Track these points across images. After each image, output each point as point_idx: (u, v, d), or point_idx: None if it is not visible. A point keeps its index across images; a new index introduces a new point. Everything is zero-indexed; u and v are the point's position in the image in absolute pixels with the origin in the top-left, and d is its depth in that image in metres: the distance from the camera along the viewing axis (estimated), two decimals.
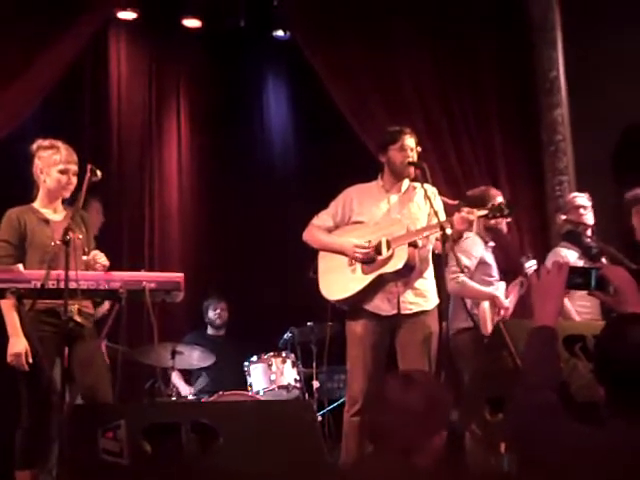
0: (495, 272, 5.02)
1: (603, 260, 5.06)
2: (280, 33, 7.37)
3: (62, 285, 3.65)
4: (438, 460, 2.21)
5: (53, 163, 4.17)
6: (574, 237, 5.29)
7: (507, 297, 5.02)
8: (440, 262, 4.32)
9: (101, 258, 4.00)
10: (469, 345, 4.72)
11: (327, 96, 6.34)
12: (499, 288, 5.03)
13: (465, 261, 4.75)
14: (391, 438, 2.13)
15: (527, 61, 6.68)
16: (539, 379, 2.13)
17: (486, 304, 4.87)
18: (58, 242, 3.80)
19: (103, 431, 2.72)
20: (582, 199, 5.34)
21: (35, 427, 3.94)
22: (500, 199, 4.78)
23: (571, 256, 5.25)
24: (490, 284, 4.96)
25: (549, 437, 1.97)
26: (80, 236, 3.95)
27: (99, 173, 4.01)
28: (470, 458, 4.55)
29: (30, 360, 3.91)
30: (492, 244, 5.09)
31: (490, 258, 4.98)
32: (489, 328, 4.82)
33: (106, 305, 4.91)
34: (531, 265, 5.27)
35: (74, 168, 4.21)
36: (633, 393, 1.94)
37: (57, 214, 4.24)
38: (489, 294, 4.86)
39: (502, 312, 4.90)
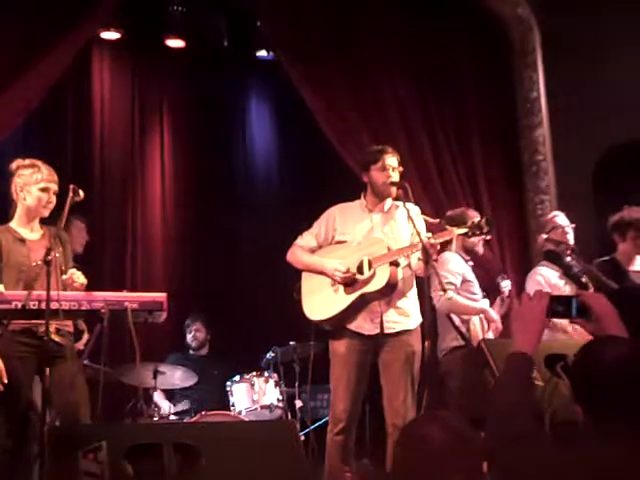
0: (477, 289, 5.03)
1: (584, 280, 5.09)
2: (263, 53, 7.41)
3: (43, 305, 3.63)
4: None
5: (34, 181, 4.15)
6: (555, 256, 5.31)
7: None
8: (422, 282, 4.33)
9: (79, 277, 3.98)
10: (460, 363, 4.72)
11: (310, 116, 6.37)
12: (484, 304, 5.05)
13: (450, 278, 4.76)
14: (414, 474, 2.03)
15: (508, 82, 6.74)
16: (511, 406, 2.11)
17: (476, 319, 4.88)
18: (39, 262, 3.79)
19: (84, 452, 2.70)
20: (562, 218, 5.37)
21: (14, 448, 3.90)
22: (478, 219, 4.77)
23: (552, 275, 5.26)
24: (475, 301, 4.98)
25: (524, 464, 1.98)
26: (57, 255, 3.92)
27: (81, 193, 4.01)
28: None
29: (5, 380, 3.85)
30: (471, 263, 5.11)
31: (471, 275, 4.99)
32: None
33: (84, 339, 4.88)
34: (506, 285, 5.30)
35: (54, 187, 4.20)
36: (608, 412, 1.96)
37: (34, 233, 4.21)
38: (479, 309, 4.88)
39: (492, 325, 4.93)
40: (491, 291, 5.39)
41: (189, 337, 6.61)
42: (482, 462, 2.09)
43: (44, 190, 4.16)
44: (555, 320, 5.01)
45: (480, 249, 5.14)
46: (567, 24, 6.42)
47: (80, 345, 4.83)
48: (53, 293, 3.64)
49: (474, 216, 4.89)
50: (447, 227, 4.61)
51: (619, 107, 6.26)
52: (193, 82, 7.46)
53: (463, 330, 4.86)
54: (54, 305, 3.64)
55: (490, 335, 4.95)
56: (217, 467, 2.80)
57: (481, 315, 4.97)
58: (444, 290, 4.44)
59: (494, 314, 4.97)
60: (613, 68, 6.36)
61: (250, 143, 7.89)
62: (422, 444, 2.02)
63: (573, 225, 5.30)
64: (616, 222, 5.24)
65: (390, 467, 2.10)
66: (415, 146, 6.40)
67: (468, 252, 5.08)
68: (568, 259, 5.25)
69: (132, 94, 7.30)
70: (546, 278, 5.25)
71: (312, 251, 4.62)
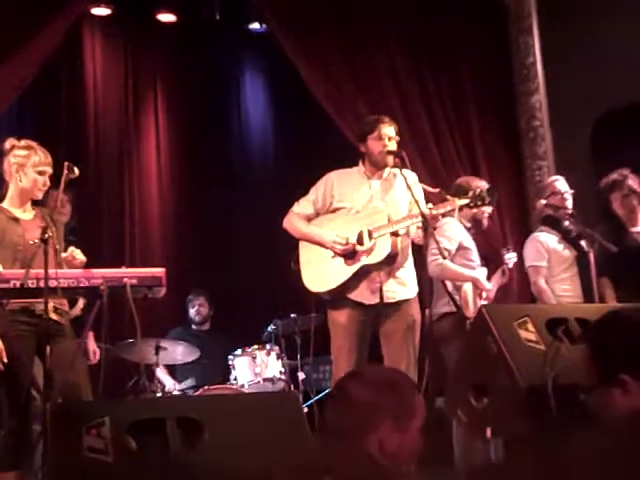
0: (476, 256, 4.99)
1: (582, 243, 5.07)
2: (256, 26, 7.34)
3: (42, 284, 3.62)
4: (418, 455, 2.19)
5: (32, 164, 4.12)
6: (553, 221, 5.30)
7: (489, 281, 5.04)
8: (421, 250, 4.32)
9: (79, 254, 3.97)
10: (452, 329, 4.70)
11: (304, 87, 6.33)
12: (481, 272, 5.03)
13: (445, 244, 4.70)
14: (338, 432, 2.16)
15: (503, 48, 6.70)
16: None
17: (468, 287, 4.86)
18: (36, 241, 3.77)
19: (87, 428, 2.69)
20: (561, 183, 5.35)
21: (17, 428, 3.90)
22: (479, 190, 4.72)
23: (550, 240, 5.27)
24: (471, 268, 4.95)
25: None
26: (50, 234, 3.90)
27: (76, 170, 3.99)
28: (457, 444, 4.57)
29: (5, 360, 3.85)
30: (473, 231, 5.09)
31: (470, 242, 4.94)
32: (472, 311, 4.81)
33: (80, 305, 4.86)
34: (510, 257, 5.28)
35: (50, 170, 4.18)
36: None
37: (26, 213, 4.19)
38: (470, 276, 4.83)
39: (484, 294, 4.91)
40: (491, 259, 5.39)
41: (192, 312, 6.61)
42: (412, 407, 2.18)
43: (41, 173, 4.14)
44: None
45: (485, 222, 5.10)
46: None
47: (77, 311, 4.81)
48: (51, 271, 3.63)
49: (478, 186, 4.81)
50: (448, 197, 4.58)
51: (615, 70, 6.22)
52: (186, 56, 7.41)
53: (455, 297, 4.84)
54: (52, 283, 3.63)
55: (482, 304, 4.95)
56: (220, 440, 2.80)
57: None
58: (443, 257, 4.43)
59: (486, 283, 4.91)
60: (609, 32, 6.32)
61: (245, 116, 7.85)
62: (344, 402, 2.15)
63: (572, 191, 5.28)
64: (603, 185, 5.25)
65: (321, 429, 2.25)
66: (412, 115, 6.38)
67: (472, 221, 5.03)
68: (567, 223, 5.24)
69: (125, 70, 7.24)
70: (544, 243, 5.25)
71: (309, 218, 4.59)
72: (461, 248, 4.82)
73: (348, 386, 2.17)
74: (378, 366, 2.45)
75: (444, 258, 4.50)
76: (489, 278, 5.04)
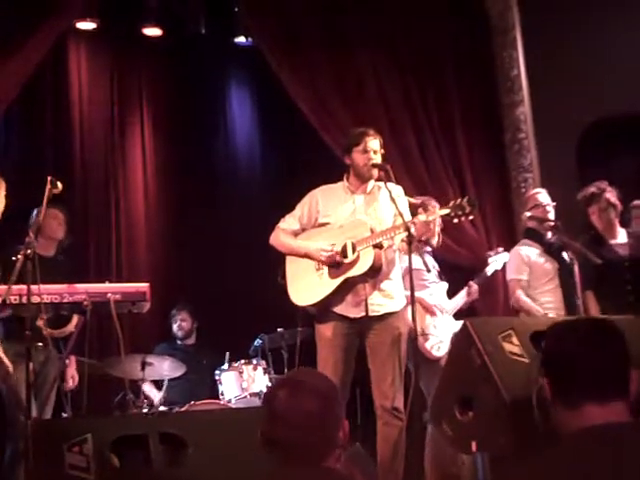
0: (431, 275, 5.02)
1: (565, 255, 5.08)
2: (242, 39, 7.34)
3: (25, 300, 3.60)
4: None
5: None
6: (535, 234, 5.32)
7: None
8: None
9: None
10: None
11: (290, 101, 6.34)
12: (434, 290, 5.05)
13: None
14: (297, 451, 2.01)
15: (488, 61, 6.72)
16: None
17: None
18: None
19: (69, 446, 2.67)
20: (543, 196, 5.36)
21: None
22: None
23: (532, 253, 5.28)
24: (423, 287, 4.96)
25: None
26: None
27: (59, 185, 3.98)
28: (430, 449, 4.57)
29: None
30: (428, 248, 5.07)
31: (419, 263, 4.90)
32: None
33: (73, 322, 4.84)
34: (497, 259, 5.32)
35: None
36: (574, 385, 2.00)
37: None
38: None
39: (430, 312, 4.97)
40: (479, 271, 5.40)
41: (175, 327, 6.59)
42: (339, 417, 2.08)
43: None
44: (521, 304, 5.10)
45: (433, 241, 5.08)
46: (546, 0, 6.40)
47: (71, 327, 4.78)
48: (34, 287, 3.61)
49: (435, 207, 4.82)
50: (429, 207, 4.61)
51: (600, 82, 6.25)
52: (172, 70, 7.43)
53: None
54: (35, 299, 3.61)
55: (428, 322, 4.97)
56: (204, 456, 2.79)
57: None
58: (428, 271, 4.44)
59: (429, 301, 4.96)
60: (593, 44, 6.35)
61: (231, 129, 7.86)
62: (299, 421, 2.01)
63: (554, 203, 5.30)
64: (581, 197, 5.28)
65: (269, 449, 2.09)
66: (397, 128, 6.39)
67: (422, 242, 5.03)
68: (549, 235, 5.25)
69: (110, 84, 7.24)
70: (525, 257, 5.27)
71: (295, 234, 4.60)
72: (415, 269, 4.67)
73: (298, 398, 2.03)
74: (304, 372, 2.30)
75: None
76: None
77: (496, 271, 5.45)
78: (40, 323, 3.86)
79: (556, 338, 2.10)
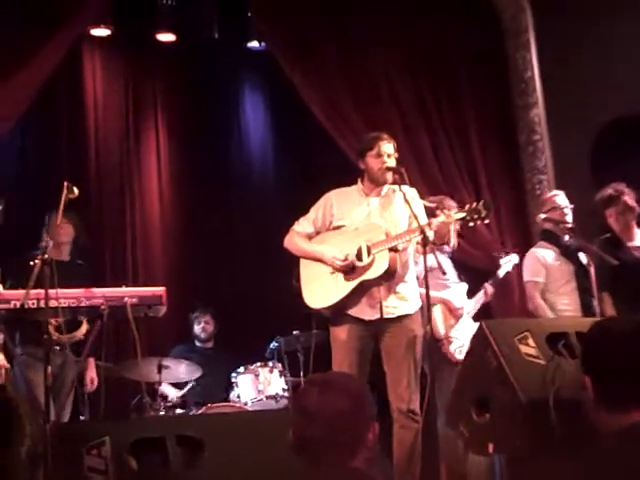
0: (451, 274, 5.04)
1: (581, 257, 5.07)
2: (255, 44, 7.37)
3: (42, 304, 3.63)
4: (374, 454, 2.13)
5: None
6: (552, 236, 5.30)
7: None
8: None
9: None
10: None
11: (303, 105, 6.35)
12: (456, 290, 5.06)
13: None
14: (327, 450, 2.02)
15: (502, 63, 6.72)
16: None
17: (436, 308, 4.91)
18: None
19: (87, 449, 2.70)
20: (561, 198, 5.34)
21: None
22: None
23: (548, 255, 5.26)
24: (444, 287, 4.97)
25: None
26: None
27: (76, 190, 4.00)
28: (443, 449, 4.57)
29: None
30: (446, 248, 5.07)
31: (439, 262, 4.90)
32: (442, 333, 4.91)
33: (83, 329, 4.86)
34: (508, 261, 5.34)
35: None
36: (618, 387, 1.99)
37: None
38: (438, 298, 4.89)
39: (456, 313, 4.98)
40: (491, 272, 5.42)
41: (197, 328, 6.60)
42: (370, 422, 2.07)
43: None
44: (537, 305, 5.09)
45: (453, 241, 5.08)
46: (559, 2, 6.39)
47: (79, 335, 4.81)
48: (52, 291, 3.64)
49: (452, 206, 4.84)
50: (445, 211, 4.59)
51: (614, 83, 6.23)
52: (186, 76, 7.45)
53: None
54: (53, 303, 3.64)
55: (455, 323, 4.99)
56: (221, 458, 2.80)
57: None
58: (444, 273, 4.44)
59: (455, 302, 4.98)
60: (607, 44, 6.33)
61: (245, 134, 7.88)
62: (328, 420, 2.02)
63: (572, 205, 5.28)
64: (599, 200, 5.25)
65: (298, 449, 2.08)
66: (411, 131, 6.39)
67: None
68: (566, 238, 5.23)
69: (125, 90, 7.28)
70: (542, 258, 5.25)
71: (309, 237, 4.61)
72: (432, 269, 4.70)
73: (329, 397, 2.06)
74: (335, 373, 2.30)
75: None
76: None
77: (507, 273, 5.47)
78: (50, 328, 3.88)
79: (600, 336, 2.09)
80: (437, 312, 4.95)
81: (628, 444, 1.86)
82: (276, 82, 7.04)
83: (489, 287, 5.28)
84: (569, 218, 5.23)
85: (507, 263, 5.45)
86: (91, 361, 5.11)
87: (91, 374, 5.15)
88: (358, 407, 2.06)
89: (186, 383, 6.14)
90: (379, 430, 2.13)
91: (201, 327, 6.60)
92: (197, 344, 6.62)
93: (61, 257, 5.15)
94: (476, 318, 5.10)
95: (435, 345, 4.74)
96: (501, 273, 5.40)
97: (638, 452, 1.83)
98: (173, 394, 6.05)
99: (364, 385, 2.20)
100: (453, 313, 5.02)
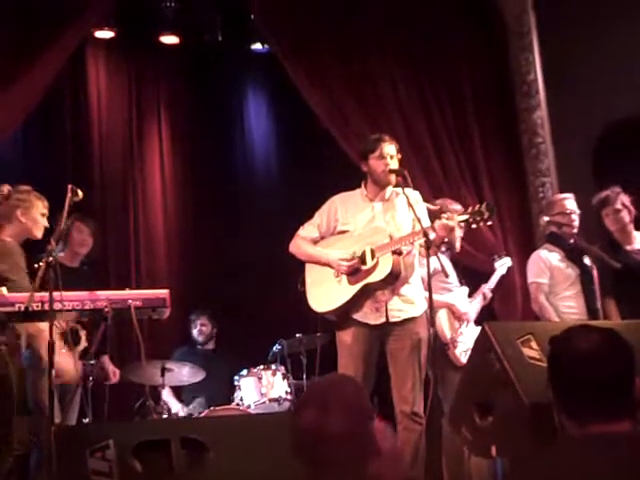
0: (453, 278, 5.05)
1: (586, 260, 5.08)
2: (258, 46, 7.40)
3: (46, 307, 3.63)
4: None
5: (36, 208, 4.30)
6: (557, 238, 5.30)
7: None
8: None
9: None
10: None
11: (307, 107, 6.36)
12: (458, 294, 5.07)
13: None
14: (330, 464, 1.98)
15: (504, 65, 6.72)
16: None
17: (442, 313, 4.91)
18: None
19: (91, 451, 2.70)
20: (571, 202, 5.31)
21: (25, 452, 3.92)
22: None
23: (553, 258, 5.26)
24: (448, 291, 4.99)
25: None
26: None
27: (80, 193, 4.01)
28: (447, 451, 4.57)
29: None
30: (447, 253, 5.10)
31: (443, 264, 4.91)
32: (448, 336, 4.92)
33: (83, 341, 4.89)
34: (502, 264, 5.36)
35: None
36: (576, 398, 1.98)
37: None
38: (442, 302, 4.89)
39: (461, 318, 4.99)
40: (491, 273, 5.45)
41: (195, 332, 6.63)
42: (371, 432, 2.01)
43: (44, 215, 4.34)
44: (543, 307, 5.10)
45: (457, 245, 5.11)
46: (563, 4, 6.39)
47: (81, 347, 4.84)
48: (56, 294, 3.64)
49: (455, 209, 4.85)
50: (448, 214, 4.59)
51: (617, 85, 6.22)
52: (189, 78, 7.48)
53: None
54: (57, 306, 3.65)
55: (460, 327, 5.00)
56: (225, 461, 2.81)
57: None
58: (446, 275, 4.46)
59: (460, 307, 4.99)
60: (610, 47, 6.32)
61: (249, 136, 7.89)
62: (330, 435, 1.97)
63: (579, 212, 5.28)
64: (596, 201, 5.27)
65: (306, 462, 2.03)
66: (414, 133, 6.38)
67: (446, 244, 5.04)
68: (571, 241, 5.23)
69: (129, 92, 7.30)
70: (546, 260, 5.25)
71: (314, 242, 4.63)
72: (436, 272, 4.70)
73: (327, 419, 1.98)
74: (334, 383, 2.20)
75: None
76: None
77: (502, 276, 5.50)
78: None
79: (560, 346, 2.07)
80: (443, 316, 4.96)
81: (583, 453, 1.87)
82: (279, 84, 7.05)
83: (487, 291, 5.31)
84: (577, 223, 5.24)
85: (502, 266, 5.48)
86: (105, 358, 5.20)
87: (111, 368, 5.27)
88: (357, 423, 2.00)
89: (193, 398, 6.15)
90: None
91: (197, 330, 6.62)
92: (198, 346, 6.63)
93: (72, 264, 5.22)
94: (479, 321, 5.11)
95: (441, 349, 4.74)
96: (496, 276, 5.43)
97: (589, 463, 1.84)
98: (177, 407, 6.05)
99: (363, 392, 2.15)
100: (458, 317, 5.03)
